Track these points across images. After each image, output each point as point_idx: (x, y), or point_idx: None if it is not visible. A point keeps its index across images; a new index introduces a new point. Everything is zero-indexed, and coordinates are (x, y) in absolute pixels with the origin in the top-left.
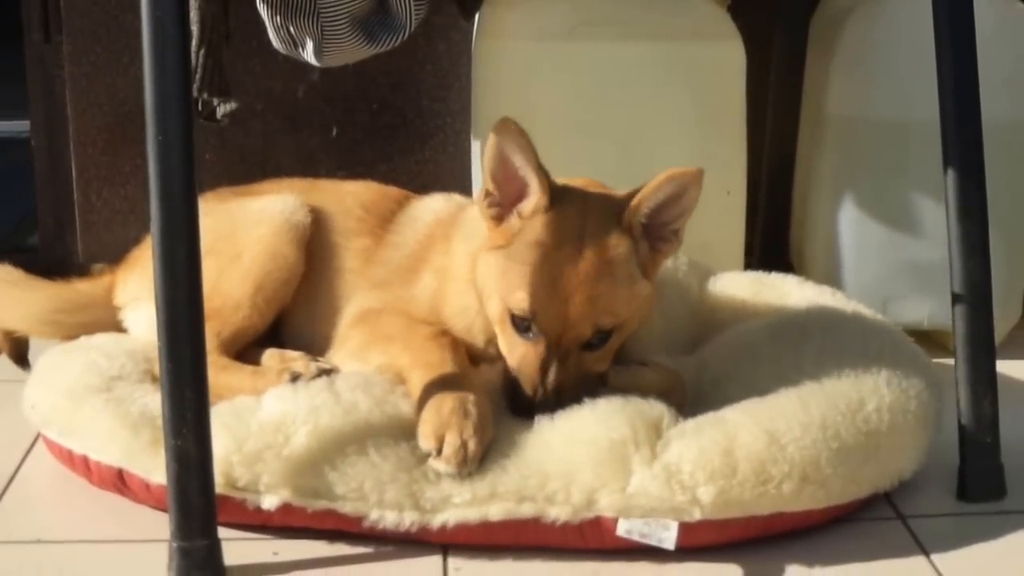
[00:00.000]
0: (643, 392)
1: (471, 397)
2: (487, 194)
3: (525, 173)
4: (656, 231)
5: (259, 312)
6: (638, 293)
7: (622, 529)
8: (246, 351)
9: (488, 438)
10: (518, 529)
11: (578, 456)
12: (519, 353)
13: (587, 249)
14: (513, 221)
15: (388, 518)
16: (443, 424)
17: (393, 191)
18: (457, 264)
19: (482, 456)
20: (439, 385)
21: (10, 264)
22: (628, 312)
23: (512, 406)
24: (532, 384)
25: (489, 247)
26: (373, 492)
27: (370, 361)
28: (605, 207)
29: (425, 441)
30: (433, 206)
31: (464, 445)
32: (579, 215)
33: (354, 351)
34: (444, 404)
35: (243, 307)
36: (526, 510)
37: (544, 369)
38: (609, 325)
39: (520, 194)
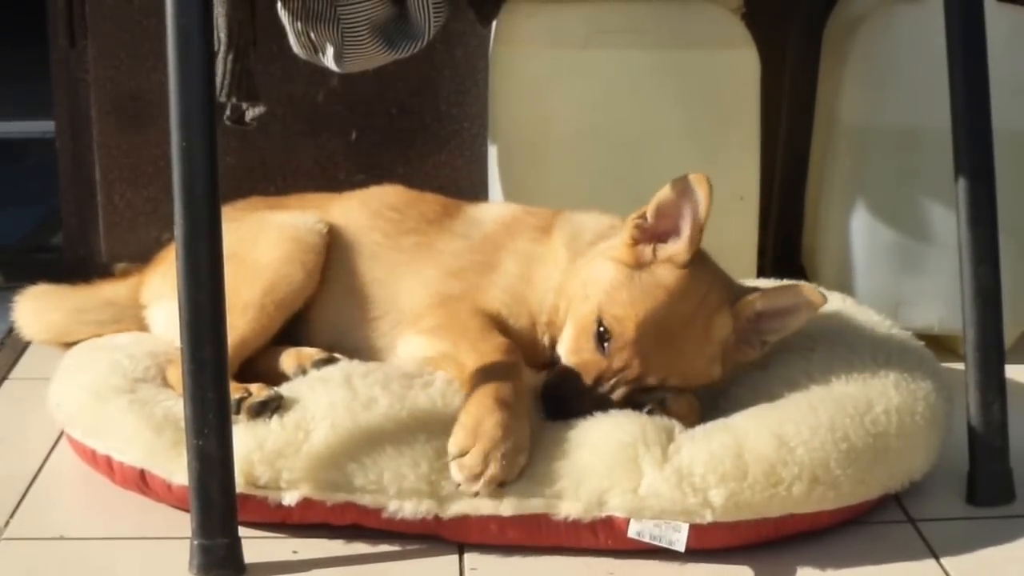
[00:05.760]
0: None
1: (518, 424)
2: (642, 218)
3: (686, 225)
4: (748, 334)
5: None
6: (707, 374)
7: (633, 531)
8: (264, 352)
9: (518, 467)
10: (532, 527)
11: (589, 457)
12: (584, 358)
13: (699, 316)
14: (646, 251)
15: (406, 508)
16: (475, 436)
17: (428, 195)
18: (553, 254)
19: (504, 482)
20: (492, 396)
21: (35, 263)
22: (688, 384)
23: (547, 403)
24: (578, 388)
25: (612, 257)
26: (392, 484)
27: (436, 345)
28: (728, 289)
29: (452, 444)
30: (496, 211)
31: (485, 464)
32: (708, 284)
33: (426, 330)
34: (488, 418)
35: (251, 311)
36: (537, 504)
37: (596, 382)
38: (671, 385)
39: (665, 236)
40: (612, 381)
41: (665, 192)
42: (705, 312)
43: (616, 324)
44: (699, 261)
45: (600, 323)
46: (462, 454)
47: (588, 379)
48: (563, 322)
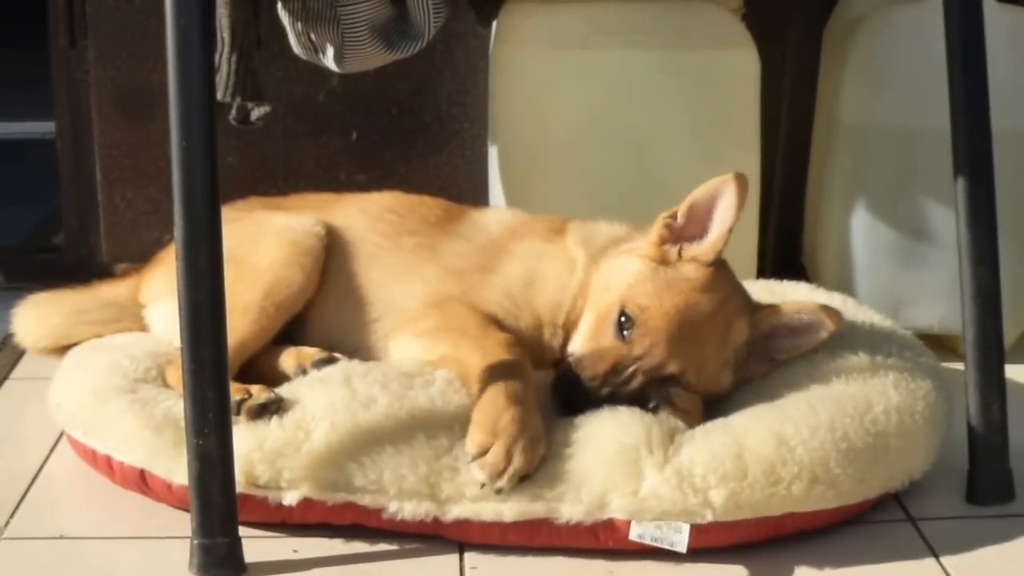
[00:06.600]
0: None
1: (532, 417)
2: (672, 217)
3: (715, 225)
4: (761, 349)
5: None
6: (719, 379)
7: (634, 534)
8: (265, 352)
9: (538, 459)
10: (534, 530)
11: (591, 459)
12: (602, 344)
13: (720, 315)
14: (672, 251)
15: (406, 509)
16: (494, 433)
17: (428, 199)
18: (567, 254)
19: (523, 477)
20: (503, 393)
21: (36, 263)
22: (701, 385)
23: (559, 396)
24: (594, 373)
25: (638, 254)
26: (392, 484)
27: (436, 348)
28: (748, 299)
29: (471, 444)
30: (501, 215)
31: (508, 459)
32: (730, 287)
33: (424, 332)
34: (503, 415)
35: (251, 314)
36: (539, 508)
37: (613, 369)
38: (686, 381)
39: (691, 238)
40: (630, 369)
41: (699, 192)
42: (726, 313)
43: (640, 312)
44: (721, 266)
45: (623, 312)
46: (482, 452)
47: (605, 366)
48: (579, 317)
